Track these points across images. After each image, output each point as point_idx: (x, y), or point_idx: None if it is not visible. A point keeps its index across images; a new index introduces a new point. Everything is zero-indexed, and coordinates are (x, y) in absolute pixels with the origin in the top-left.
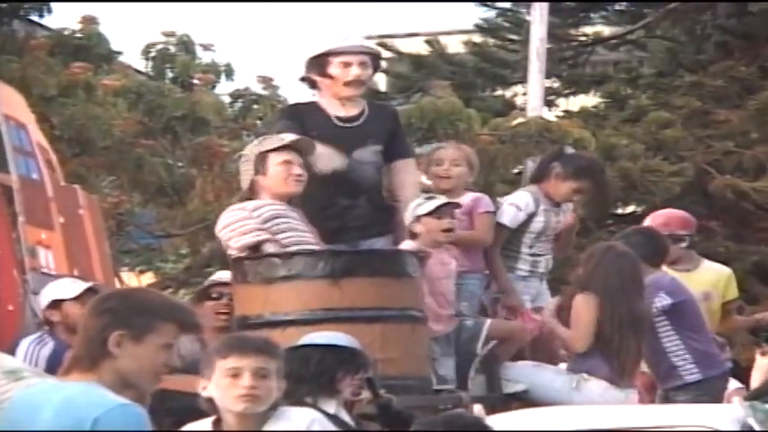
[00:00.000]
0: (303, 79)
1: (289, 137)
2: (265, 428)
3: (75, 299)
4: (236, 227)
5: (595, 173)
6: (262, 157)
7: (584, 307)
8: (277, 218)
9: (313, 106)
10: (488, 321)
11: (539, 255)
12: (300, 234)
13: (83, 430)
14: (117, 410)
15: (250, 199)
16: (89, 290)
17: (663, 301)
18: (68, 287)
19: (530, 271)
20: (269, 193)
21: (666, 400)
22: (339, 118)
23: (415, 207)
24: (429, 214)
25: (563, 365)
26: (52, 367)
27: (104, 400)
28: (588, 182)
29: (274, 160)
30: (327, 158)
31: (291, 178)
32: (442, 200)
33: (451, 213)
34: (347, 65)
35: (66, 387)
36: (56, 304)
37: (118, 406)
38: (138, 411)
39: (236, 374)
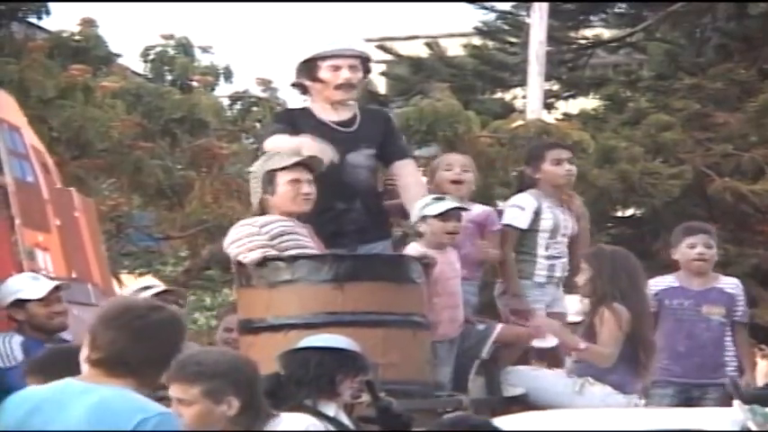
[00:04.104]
0: (294, 85)
1: (296, 156)
2: None
3: (40, 300)
4: (244, 242)
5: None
6: (270, 177)
7: (612, 320)
8: (285, 234)
9: (306, 112)
10: (499, 326)
11: (555, 257)
12: (308, 252)
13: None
14: (158, 417)
15: (262, 215)
16: (55, 290)
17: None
18: (32, 286)
19: (547, 277)
20: (278, 210)
21: (645, 395)
22: (332, 122)
23: (422, 207)
24: (435, 216)
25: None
26: (28, 354)
27: (146, 406)
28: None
29: (283, 179)
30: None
31: (300, 197)
32: (450, 203)
33: (458, 216)
34: (337, 68)
35: (99, 389)
36: (20, 303)
37: (161, 413)
38: (178, 421)
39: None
